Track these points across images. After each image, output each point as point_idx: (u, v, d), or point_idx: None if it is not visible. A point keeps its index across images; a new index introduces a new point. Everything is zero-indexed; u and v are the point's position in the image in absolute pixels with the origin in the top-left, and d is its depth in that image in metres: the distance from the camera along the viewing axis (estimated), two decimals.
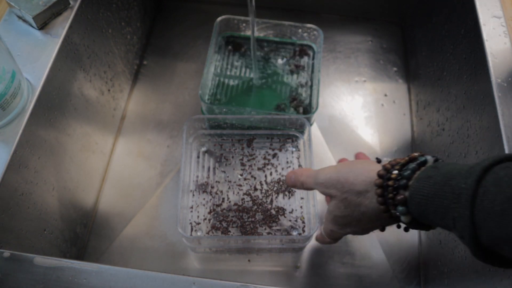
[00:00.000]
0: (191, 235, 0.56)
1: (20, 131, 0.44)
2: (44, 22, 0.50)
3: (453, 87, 0.57)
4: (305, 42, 0.70)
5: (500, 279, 0.40)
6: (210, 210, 0.58)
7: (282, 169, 0.61)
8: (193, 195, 0.59)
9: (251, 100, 0.65)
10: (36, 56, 0.48)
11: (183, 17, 0.81)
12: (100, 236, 0.60)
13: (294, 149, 0.63)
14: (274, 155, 0.62)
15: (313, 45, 0.70)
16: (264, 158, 0.62)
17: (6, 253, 0.39)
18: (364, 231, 0.44)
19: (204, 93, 0.64)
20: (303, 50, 0.70)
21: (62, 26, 0.50)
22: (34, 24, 0.49)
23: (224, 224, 0.57)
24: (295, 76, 0.68)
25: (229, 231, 0.56)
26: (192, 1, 0.82)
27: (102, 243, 0.57)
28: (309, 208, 0.56)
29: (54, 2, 0.49)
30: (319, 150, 0.67)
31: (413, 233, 0.61)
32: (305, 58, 0.69)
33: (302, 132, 0.62)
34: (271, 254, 0.58)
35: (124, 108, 0.70)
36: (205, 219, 0.57)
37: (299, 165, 0.61)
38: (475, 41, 0.52)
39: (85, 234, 0.60)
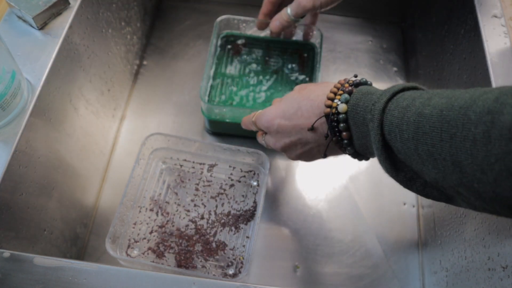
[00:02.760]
0: (126, 251, 0.55)
1: (20, 131, 0.44)
2: (44, 22, 0.50)
3: (453, 87, 0.57)
4: (305, 42, 0.70)
5: (500, 279, 0.40)
6: (152, 230, 0.57)
7: (236, 202, 0.59)
8: (140, 211, 0.58)
9: (251, 100, 0.65)
10: (36, 56, 0.48)
11: (183, 17, 0.81)
12: (100, 236, 0.60)
13: (254, 183, 0.61)
14: (231, 186, 0.61)
15: (313, 45, 0.70)
16: (220, 187, 0.60)
17: (6, 253, 0.39)
18: (307, 154, 0.45)
19: (204, 93, 0.64)
20: (303, 50, 0.70)
21: (62, 26, 0.50)
22: (34, 24, 0.49)
23: (162, 248, 0.55)
24: (295, 76, 0.68)
25: (165, 256, 0.55)
26: (192, 1, 0.82)
27: (102, 243, 0.57)
28: (251, 249, 0.53)
29: (54, 2, 0.49)
30: None
31: (413, 233, 0.61)
32: (305, 58, 0.69)
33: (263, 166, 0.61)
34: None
35: (124, 108, 0.70)
36: (144, 238, 0.56)
37: (254, 201, 0.59)
38: (475, 41, 0.52)
39: (85, 234, 0.60)
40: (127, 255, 0.55)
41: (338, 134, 0.38)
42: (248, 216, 0.58)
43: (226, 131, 0.67)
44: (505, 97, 0.25)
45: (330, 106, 0.38)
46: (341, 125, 0.37)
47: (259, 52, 0.70)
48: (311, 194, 0.63)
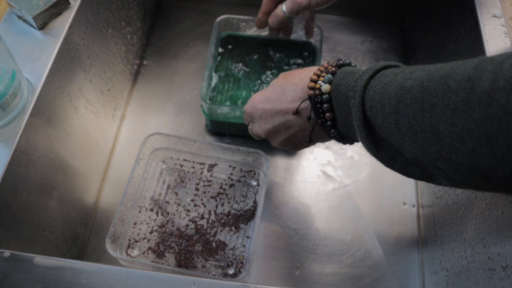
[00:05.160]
0: (126, 251, 0.55)
1: (20, 131, 0.44)
2: (44, 22, 0.50)
3: None
4: (305, 40, 0.70)
5: (500, 279, 0.40)
6: (152, 230, 0.57)
7: (236, 202, 0.59)
8: (140, 211, 0.58)
9: None
10: (36, 56, 0.48)
11: (183, 17, 0.81)
12: (100, 236, 0.60)
13: (254, 183, 0.61)
14: (231, 186, 0.60)
15: (314, 45, 0.69)
16: (220, 187, 0.60)
17: (6, 253, 0.39)
18: (290, 140, 0.44)
19: (205, 93, 0.64)
20: (304, 50, 0.70)
21: (62, 26, 0.50)
22: (34, 24, 0.49)
23: (162, 248, 0.55)
24: None
25: (165, 256, 0.55)
26: (192, 1, 0.82)
27: (102, 243, 0.57)
28: (251, 249, 0.53)
29: (54, 2, 0.49)
30: (318, 149, 0.67)
31: (413, 232, 0.61)
32: (306, 57, 0.69)
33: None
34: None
35: (124, 108, 0.70)
36: (144, 238, 0.56)
37: (254, 201, 0.59)
38: (475, 41, 0.52)
39: (85, 234, 0.60)
40: (127, 255, 0.55)
41: (322, 115, 0.38)
42: (248, 216, 0.58)
43: (227, 131, 0.67)
44: (484, 63, 0.25)
45: (313, 88, 0.38)
46: (325, 105, 0.37)
47: (259, 52, 0.70)
48: (311, 194, 0.63)
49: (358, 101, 0.33)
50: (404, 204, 0.63)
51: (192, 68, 0.75)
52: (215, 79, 0.67)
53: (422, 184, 0.64)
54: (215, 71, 0.68)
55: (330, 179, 0.65)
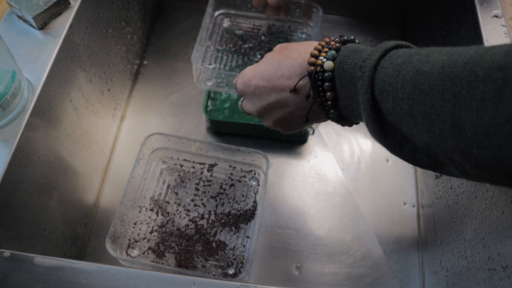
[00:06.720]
0: (126, 251, 0.55)
1: (20, 131, 0.44)
2: (44, 22, 0.50)
3: None
4: (303, 22, 0.69)
5: (500, 279, 0.40)
6: (152, 230, 0.57)
7: (236, 202, 0.59)
8: (140, 211, 0.58)
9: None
10: (36, 56, 0.48)
11: (183, 17, 0.81)
12: (100, 236, 0.60)
13: (254, 183, 0.61)
14: (231, 186, 0.60)
15: (312, 25, 0.69)
16: (220, 187, 0.60)
17: (6, 253, 0.39)
18: (286, 119, 0.41)
19: (198, 58, 0.62)
20: (302, 31, 0.69)
21: (62, 26, 0.50)
22: (34, 24, 0.49)
23: (162, 248, 0.55)
24: None
25: (165, 256, 0.55)
26: (192, 1, 0.82)
27: (102, 243, 0.57)
28: (251, 249, 0.53)
29: (54, 2, 0.49)
30: (318, 149, 0.67)
31: (413, 233, 0.61)
32: (304, 40, 0.69)
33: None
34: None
35: (124, 108, 0.70)
36: (144, 238, 0.56)
37: (254, 201, 0.59)
38: (475, 41, 0.52)
39: (85, 234, 0.60)
40: (127, 255, 0.55)
41: (322, 94, 0.35)
42: (248, 216, 0.58)
43: (226, 130, 0.67)
44: None
45: (314, 64, 0.34)
46: (326, 84, 0.34)
47: (256, 30, 0.69)
48: (311, 194, 0.63)
49: (367, 83, 0.30)
50: (404, 204, 0.63)
51: (192, 68, 0.75)
52: (208, 51, 0.66)
53: (422, 184, 0.64)
54: (208, 44, 0.67)
55: (330, 179, 0.65)
